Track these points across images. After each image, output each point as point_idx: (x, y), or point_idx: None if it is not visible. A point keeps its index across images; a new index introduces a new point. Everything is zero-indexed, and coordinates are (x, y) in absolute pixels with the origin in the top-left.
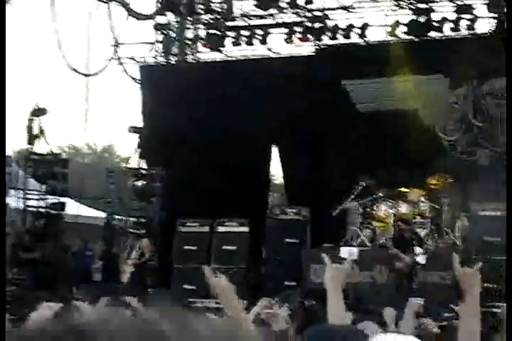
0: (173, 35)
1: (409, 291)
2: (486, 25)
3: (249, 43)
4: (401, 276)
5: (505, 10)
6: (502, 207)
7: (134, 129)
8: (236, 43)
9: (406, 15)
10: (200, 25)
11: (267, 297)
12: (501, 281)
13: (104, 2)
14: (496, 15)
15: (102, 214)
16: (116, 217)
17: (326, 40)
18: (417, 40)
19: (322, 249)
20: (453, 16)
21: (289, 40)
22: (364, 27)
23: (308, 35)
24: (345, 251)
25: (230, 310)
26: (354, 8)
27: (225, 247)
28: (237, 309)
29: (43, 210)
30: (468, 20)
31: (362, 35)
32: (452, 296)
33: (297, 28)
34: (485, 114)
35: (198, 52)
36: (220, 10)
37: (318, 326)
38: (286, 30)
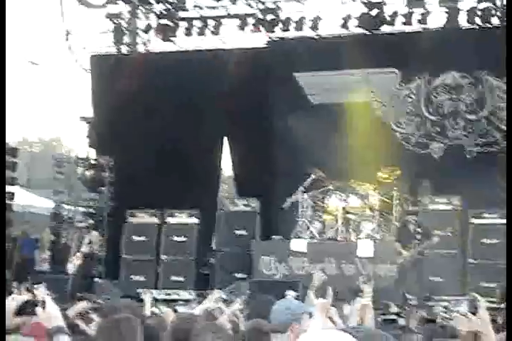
0: (125, 24)
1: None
2: (437, 19)
3: (202, 34)
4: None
5: (506, 10)
6: (453, 201)
7: (84, 119)
8: (188, 34)
9: (358, 9)
10: (152, 15)
11: (217, 288)
12: (450, 274)
13: None
14: (447, 10)
15: (51, 204)
16: (65, 206)
17: (278, 32)
18: (369, 33)
19: (272, 241)
20: (405, 10)
21: (241, 31)
22: (316, 19)
23: (261, 27)
24: (295, 244)
25: None
26: (306, 0)
27: (174, 238)
28: None
29: None
30: (420, 14)
31: (314, 28)
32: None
33: (249, 20)
34: (437, 107)
35: (150, 42)
36: (172, 0)
37: None
38: (238, 22)
